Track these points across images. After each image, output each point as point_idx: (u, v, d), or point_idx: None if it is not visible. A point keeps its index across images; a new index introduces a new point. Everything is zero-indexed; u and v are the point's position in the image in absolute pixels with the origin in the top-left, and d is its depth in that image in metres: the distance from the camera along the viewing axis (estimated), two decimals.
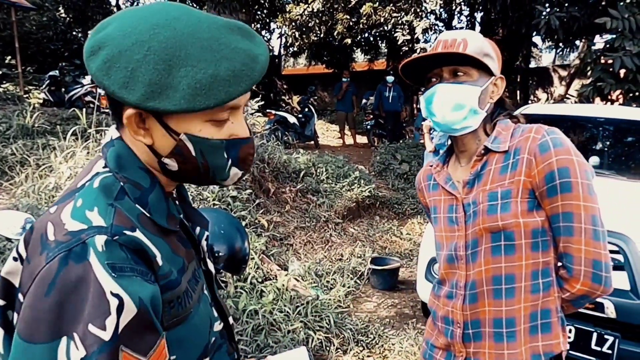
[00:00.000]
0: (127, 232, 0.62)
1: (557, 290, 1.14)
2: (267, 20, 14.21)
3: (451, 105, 1.13)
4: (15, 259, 0.63)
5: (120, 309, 0.56)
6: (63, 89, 9.78)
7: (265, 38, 15.57)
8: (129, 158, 0.69)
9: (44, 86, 9.76)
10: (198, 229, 0.82)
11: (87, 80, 10.00)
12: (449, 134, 1.22)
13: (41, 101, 9.60)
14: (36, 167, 4.01)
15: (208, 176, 0.71)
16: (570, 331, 2.19)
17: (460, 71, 1.13)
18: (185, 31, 0.63)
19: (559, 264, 1.15)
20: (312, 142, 10.20)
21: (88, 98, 9.40)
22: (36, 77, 11.53)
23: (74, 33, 15.23)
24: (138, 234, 0.63)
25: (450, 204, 1.23)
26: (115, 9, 16.19)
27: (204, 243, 0.82)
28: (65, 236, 0.58)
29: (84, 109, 5.08)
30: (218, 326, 0.80)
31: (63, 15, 15.07)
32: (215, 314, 0.81)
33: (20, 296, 0.58)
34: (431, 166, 1.34)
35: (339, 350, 2.96)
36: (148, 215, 0.67)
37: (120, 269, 0.58)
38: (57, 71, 10.05)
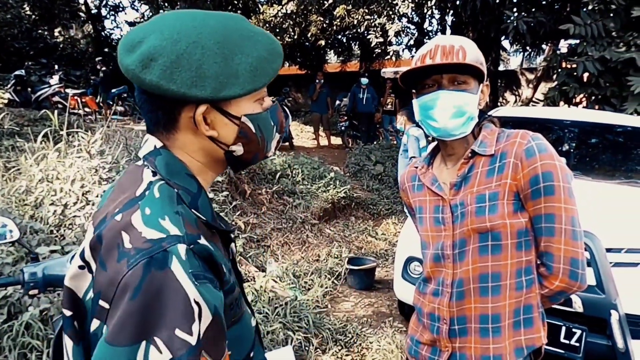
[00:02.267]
0: (199, 241, 0.64)
1: (538, 286, 1.20)
2: None
3: (454, 112, 1.17)
4: (81, 267, 0.64)
5: (200, 315, 0.58)
6: (29, 89, 9.48)
7: None
8: (176, 165, 0.71)
9: (9, 86, 9.44)
10: None
11: (54, 80, 9.74)
12: (444, 138, 1.24)
13: (6, 101, 9.28)
14: (4, 169, 3.89)
15: (264, 150, 0.79)
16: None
17: (459, 79, 1.17)
18: (220, 27, 0.69)
19: (538, 262, 1.21)
20: (287, 144, 10.20)
21: (56, 98, 9.16)
22: (0, 77, 11.15)
23: (40, 31, 14.78)
24: (204, 241, 0.66)
25: (436, 204, 1.27)
26: (83, 7, 15.78)
27: (232, 245, 0.85)
28: (145, 243, 0.60)
29: (55, 110, 4.95)
30: (253, 322, 0.84)
31: (28, 12, 14.60)
32: (249, 312, 0.85)
33: (102, 302, 0.59)
34: (416, 167, 1.38)
35: (318, 350, 2.99)
36: (203, 219, 0.70)
37: (197, 277, 0.60)
38: (22, 70, 9.73)
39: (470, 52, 1.16)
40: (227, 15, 0.73)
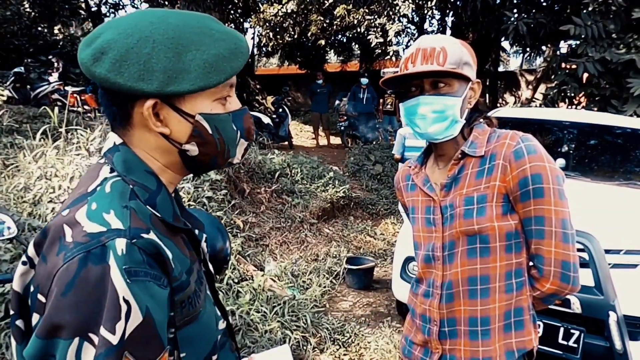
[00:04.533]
0: (144, 235, 0.63)
1: (529, 289, 1.19)
2: (241, 20, 14.10)
3: (434, 117, 1.16)
4: (24, 263, 0.64)
5: (128, 315, 0.57)
6: (28, 86, 9.46)
7: None
8: (135, 162, 0.71)
9: (8, 83, 9.40)
10: (196, 231, 0.83)
11: (53, 77, 9.72)
12: (431, 141, 1.24)
13: (5, 98, 9.25)
14: (3, 166, 3.88)
15: (223, 154, 0.75)
16: (538, 326, 2.28)
17: (441, 82, 1.15)
18: (179, 23, 0.69)
19: (530, 263, 1.20)
20: (286, 143, 10.20)
21: (55, 96, 9.13)
22: None
23: (39, 28, 14.74)
24: (152, 235, 0.65)
25: (427, 205, 1.27)
26: (83, 5, 15.75)
27: (203, 245, 0.84)
28: (84, 237, 0.59)
29: (56, 108, 4.94)
30: (222, 324, 0.82)
31: (28, 10, 14.56)
32: (219, 313, 0.83)
33: (40, 296, 0.59)
34: (409, 167, 1.38)
35: (315, 349, 2.98)
36: (158, 215, 0.69)
37: (135, 273, 0.59)
38: (22, 68, 9.70)
39: (452, 53, 1.13)
40: (192, 14, 0.72)
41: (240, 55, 0.71)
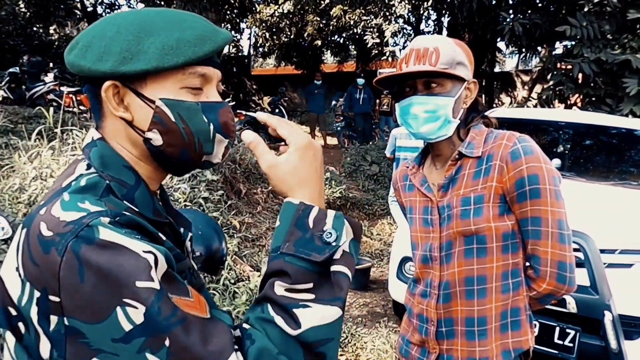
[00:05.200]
0: (125, 212, 0.62)
1: (525, 289, 1.20)
2: (237, 20, 14.10)
3: (426, 117, 1.16)
4: (16, 269, 0.61)
5: (156, 262, 0.57)
6: (24, 87, 9.42)
7: (234, 38, 15.46)
8: (112, 157, 0.69)
9: (3, 83, 9.37)
10: (182, 230, 0.82)
11: (49, 77, 9.68)
12: (425, 141, 1.25)
13: (0, 99, 9.22)
14: None
15: (194, 148, 0.71)
16: (534, 326, 2.28)
17: (433, 82, 1.15)
18: (151, 12, 0.70)
19: (527, 264, 1.21)
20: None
21: (51, 96, 9.10)
22: None
23: (35, 28, 14.70)
24: (130, 214, 0.64)
25: (425, 205, 1.27)
26: (79, 5, 15.71)
27: (187, 244, 0.82)
28: (66, 227, 0.57)
29: (51, 108, 4.92)
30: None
31: (23, 9, 14.51)
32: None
33: (52, 297, 0.56)
34: (407, 167, 1.38)
35: None
36: (136, 210, 0.68)
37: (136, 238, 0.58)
38: (17, 68, 9.66)
39: (444, 53, 1.13)
40: (172, 11, 0.72)
41: (209, 43, 0.68)
